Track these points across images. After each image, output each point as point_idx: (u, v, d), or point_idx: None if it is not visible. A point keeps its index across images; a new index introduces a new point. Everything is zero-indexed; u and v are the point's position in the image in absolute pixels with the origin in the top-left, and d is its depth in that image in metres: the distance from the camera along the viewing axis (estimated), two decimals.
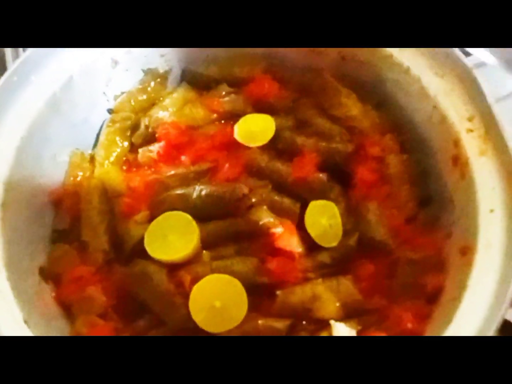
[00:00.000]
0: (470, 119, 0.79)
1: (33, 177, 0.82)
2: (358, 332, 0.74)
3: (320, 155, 0.86)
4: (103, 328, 0.73)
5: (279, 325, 0.74)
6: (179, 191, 0.84)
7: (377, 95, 0.94)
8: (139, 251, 0.79)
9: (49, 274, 0.79)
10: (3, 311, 0.66)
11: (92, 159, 0.92)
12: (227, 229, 0.81)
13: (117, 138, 0.91)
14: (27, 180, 0.81)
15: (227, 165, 0.87)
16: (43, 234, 0.83)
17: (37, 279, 0.77)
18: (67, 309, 0.77)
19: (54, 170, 0.87)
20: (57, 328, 0.73)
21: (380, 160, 0.87)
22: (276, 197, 0.83)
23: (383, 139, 0.89)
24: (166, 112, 0.94)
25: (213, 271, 0.77)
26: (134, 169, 0.91)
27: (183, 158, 0.89)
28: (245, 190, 0.81)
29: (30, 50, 0.81)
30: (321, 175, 0.84)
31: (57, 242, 0.83)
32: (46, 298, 0.76)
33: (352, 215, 0.83)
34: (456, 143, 0.79)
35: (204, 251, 0.81)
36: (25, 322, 0.66)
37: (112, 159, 0.90)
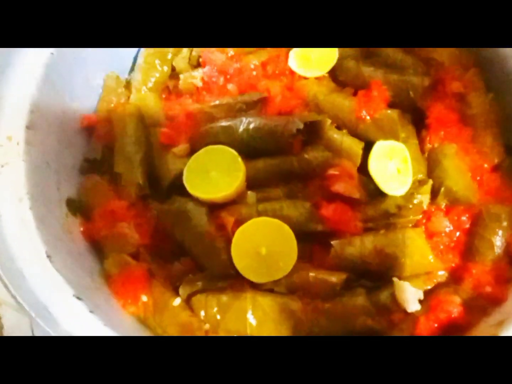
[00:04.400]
0: None
1: (64, 100, 0.74)
2: (425, 292, 0.64)
3: (390, 88, 0.73)
4: (135, 269, 0.65)
5: (333, 279, 0.64)
6: (223, 123, 0.73)
7: None
8: (178, 188, 0.70)
9: (78, 207, 0.71)
10: (25, 243, 0.59)
11: (128, 84, 0.82)
12: (277, 168, 0.71)
13: (157, 61, 0.81)
14: (56, 103, 0.72)
15: (279, 96, 0.76)
16: (73, 164, 0.75)
17: (65, 211, 0.69)
18: (96, 246, 0.70)
19: (87, 94, 0.79)
20: (85, 266, 0.66)
21: (460, 98, 0.74)
22: (336, 135, 0.72)
23: (465, 74, 0.75)
24: None
25: (259, 214, 0.68)
26: (174, 97, 0.81)
27: (229, 86, 0.78)
28: (300, 125, 0.70)
29: None
30: (390, 111, 0.72)
31: (87, 173, 0.75)
32: (73, 232, 0.69)
33: (426, 160, 0.71)
34: None
35: (249, 192, 0.71)
36: (48, 256, 0.59)
37: (150, 84, 0.81)
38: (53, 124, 0.72)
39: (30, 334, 1.33)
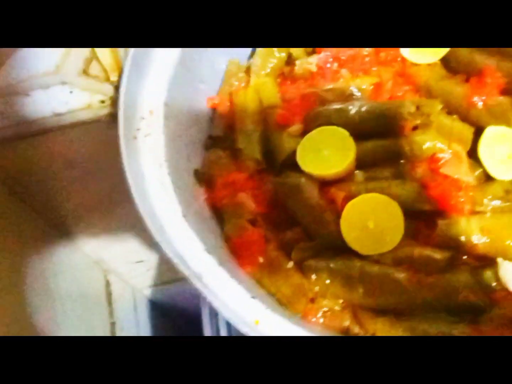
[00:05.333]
0: None
1: (193, 81, 0.83)
2: None
3: (504, 76, 0.74)
4: (252, 233, 0.73)
5: (438, 256, 0.68)
6: (336, 106, 0.79)
7: None
8: (291, 165, 0.77)
9: (203, 177, 0.80)
10: (165, 202, 0.68)
11: (247, 69, 0.90)
12: (387, 149, 0.75)
13: (275, 48, 0.88)
14: (188, 84, 0.82)
15: (390, 81, 0.80)
16: (199, 139, 0.84)
17: (192, 180, 0.79)
18: (218, 213, 0.78)
19: (213, 77, 0.88)
20: (210, 228, 0.75)
21: None
22: (446, 120, 0.74)
23: None
24: None
25: (368, 191, 0.72)
26: (289, 82, 0.87)
27: (343, 71, 0.83)
28: (412, 108, 0.73)
29: None
30: (503, 98, 0.73)
31: (211, 149, 0.84)
32: (199, 199, 0.78)
33: None
34: None
35: (357, 171, 0.76)
36: (184, 216, 0.68)
37: (268, 70, 0.88)
38: (185, 102, 0.81)
39: (132, 302, 1.48)
